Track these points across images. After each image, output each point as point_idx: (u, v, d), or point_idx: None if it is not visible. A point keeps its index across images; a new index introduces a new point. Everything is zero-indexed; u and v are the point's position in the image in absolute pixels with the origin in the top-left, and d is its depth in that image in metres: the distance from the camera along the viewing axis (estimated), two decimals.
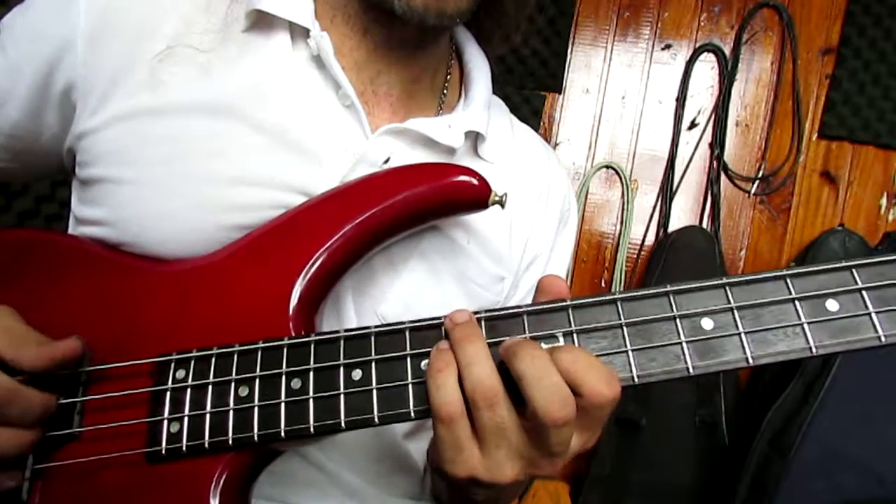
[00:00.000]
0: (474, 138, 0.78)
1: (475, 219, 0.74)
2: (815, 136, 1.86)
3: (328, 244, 0.62)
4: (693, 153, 1.89)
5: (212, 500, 0.55)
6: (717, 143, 1.87)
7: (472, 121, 0.75)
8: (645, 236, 1.91)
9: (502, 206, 0.65)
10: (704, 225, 1.89)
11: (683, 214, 1.90)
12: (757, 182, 1.87)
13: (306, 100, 0.68)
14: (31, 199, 1.50)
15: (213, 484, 0.55)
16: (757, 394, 1.79)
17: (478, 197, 0.64)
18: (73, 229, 0.71)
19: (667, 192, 1.89)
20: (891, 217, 1.83)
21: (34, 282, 0.65)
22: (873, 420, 1.55)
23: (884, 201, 1.83)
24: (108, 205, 0.66)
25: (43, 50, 0.66)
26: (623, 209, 1.90)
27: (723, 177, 1.89)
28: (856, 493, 1.52)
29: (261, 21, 0.68)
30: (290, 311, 0.60)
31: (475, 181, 0.64)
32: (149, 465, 0.56)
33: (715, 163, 1.88)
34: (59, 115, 0.69)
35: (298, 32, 0.69)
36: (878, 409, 1.56)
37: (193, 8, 0.68)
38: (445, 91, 0.80)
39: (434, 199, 0.64)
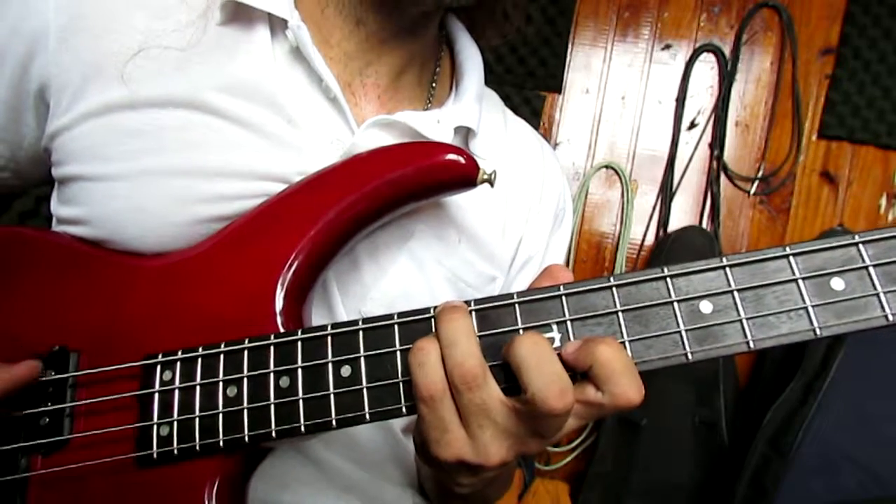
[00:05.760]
0: (465, 133, 0.76)
1: (467, 216, 0.73)
2: (814, 137, 1.85)
3: (311, 232, 0.60)
4: (693, 153, 1.88)
5: None
6: (717, 144, 1.87)
7: (462, 115, 0.73)
8: (645, 236, 1.91)
9: (491, 184, 0.64)
10: (704, 225, 1.88)
11: (683, 214, 1.90)
12: (756, 182, 1.86)
13: (286, 95, 0.66)
14: (32, 199, 1.50)
15: (208, 487, 0.55)
16: (756, 394, 1.79)
17: (466, 175, 0.63)
18: (54, 230, 0.70)
19: (666, 192, 1.89)
20: (890, 217, 1.82)
21: (13, 279, 0.65)
22: (872, 420, 1.55)
23: (883, 201, 1.83)
24: (85, 202, 0.65)
25: (17, 49, 0.66)
26: (623, 209, 1.90)
27: (722, 177, 1.88)
28: (855, 492, 1.51)
29: (239, 14, 0.66)
30: (277, 305, 0.59)
31: (462, 159, 0.62)
32: (140, 469, 0.56)
33: (715, 163, 1.87)
34: (35, 116, 0.69)
35: (278, 24, 0.67)
36: (878, 408, 1.56)
37: None
38: (434, 84, 0.78)
39: (421, 179, 0.62)
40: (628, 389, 0.47)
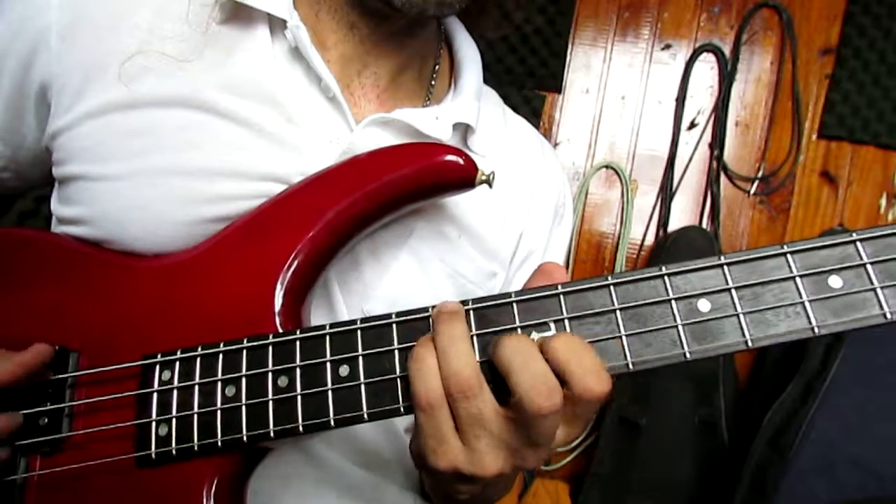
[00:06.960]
0: (464, 130, 0.76)
1: (466, 213, 0.73)
2: (814, 136, 1.85)
3: (311, 233, 0.60)
4: (693, 153, 1.88)
5: None
6: (717, 144, 1.87)
7: (461, 112, 0.73)
8: (644, 236, 1.91)
9: (490, 185, 0.64)
10: (704, 225, 1.88)
11: (683, 214, 1.90)
12: (756, 182, 1.86)
13: (286, 93, 0.66)
14: (31, 199, 1.51)
15: (207, 487, 0.55)
16: (757, 394, 1.79)
17: (464, 176, 0.63)
18: (54, 229, 0.71)
19: (666, 192, 1.89)
20: (890, 217, 1.82)
21: (13, 280, 0.65)
22: (872, 419, 1.55)
23: (883, 201, 1.82)
24: (85, 202, 0.65)
25: (19, 49, 0.66)
26: (623, 209, 1.90)
27: (722, 177, 1.88)
28: (855, 491, 1.51)
29: (238, 13, 0.67)
30: (276, 305, 0.59)
31: (461, 160, 0.62)
32: (139, 469, 0.56)
33: (714, 163, 1.87)
34: (36, 116, 0.69)
35: (277, 24, 0.68)
36: (877, 408, 1.56)
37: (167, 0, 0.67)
38: (434, 81, 0.79)
39: (420, 181, 0.62)
40: (586, 378, 0.47)
